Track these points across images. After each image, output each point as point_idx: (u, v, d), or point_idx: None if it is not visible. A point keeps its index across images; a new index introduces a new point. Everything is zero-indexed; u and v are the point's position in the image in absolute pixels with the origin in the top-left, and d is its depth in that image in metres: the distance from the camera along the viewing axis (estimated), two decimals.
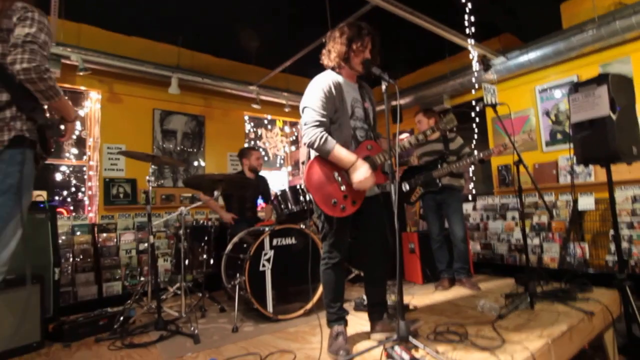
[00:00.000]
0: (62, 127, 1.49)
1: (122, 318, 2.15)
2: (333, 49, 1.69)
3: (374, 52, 1.69)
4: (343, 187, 1.60)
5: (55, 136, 1.42)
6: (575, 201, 3.32)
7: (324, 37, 1.80)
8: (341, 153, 1.55)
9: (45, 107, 1.38)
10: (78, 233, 3.33)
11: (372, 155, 1.66)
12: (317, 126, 1.55)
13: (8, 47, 1.24)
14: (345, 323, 1.69)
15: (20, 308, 1.39)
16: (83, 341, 2.00)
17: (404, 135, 1.69)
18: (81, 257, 3.19)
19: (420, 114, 2.91)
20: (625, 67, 3.36)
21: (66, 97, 1.43)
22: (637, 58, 3.33)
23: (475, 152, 2.72)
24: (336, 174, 1.61)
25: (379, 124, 1.90)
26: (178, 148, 4.34)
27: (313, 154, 1.64)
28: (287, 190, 2.49)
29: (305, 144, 1.60)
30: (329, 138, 1.55)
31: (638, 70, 3.32)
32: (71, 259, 3.12)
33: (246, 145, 4.60)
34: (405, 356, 1.30)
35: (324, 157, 1.59)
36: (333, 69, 1.72)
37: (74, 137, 3.75)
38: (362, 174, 1.54)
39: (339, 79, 1.68)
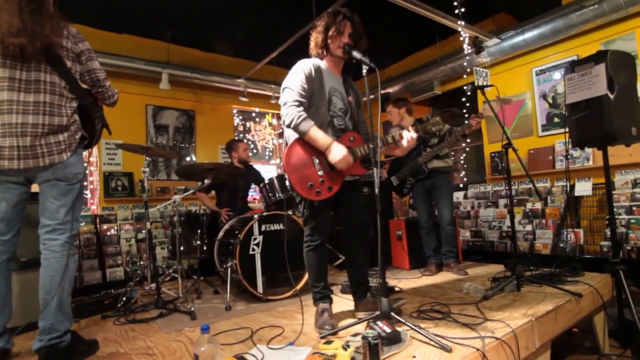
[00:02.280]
0: None
1: (125, 298, 2.26)
2: (312, 39, 1.71)
3: (354, 36, 1.64)
4: (321, 172, 1.60)
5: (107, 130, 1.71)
6: (572, 186, 3.15)
7: (308, 26, 1.73)
8: (318, 134, 1.54)
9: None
10: (82, 223, 3.42)
11: (353, 146, 1.65)
12: (297, 106, 1.56)
13: (88, 78, 1.59)
14: (330, 301, 1.73)
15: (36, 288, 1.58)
16: (90, 318, 2.13)
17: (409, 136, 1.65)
18: (85, 245, 3.31)
19: (390, 105, 2.83)
20: (629, 44, 3.13)
21: None
22: None
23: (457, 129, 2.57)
24: (315, 159, 1.60)
25: (367, 113, 1.85)
26: (171, 143, 4.39)
27: (293, 137, 1.64)
28: (275, 178, 2.52)
29: (283, 122, 1.59)
30: (307, 118, 1.55)
31: None
32: (76, 247, 3.21)
33: (235, 138, 4.57)
34: (387, 329, 1.32)
35: (302, 138, 1.59)
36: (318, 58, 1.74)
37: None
38: (338, 153, 1.54)
39: (321, 65, 1.68)
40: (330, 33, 1.62)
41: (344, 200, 1.71)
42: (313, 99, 1.62)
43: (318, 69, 1.63)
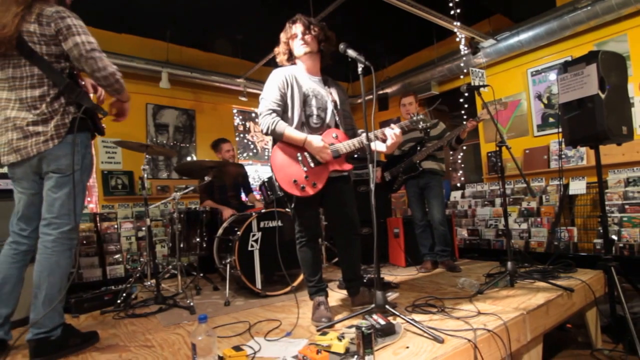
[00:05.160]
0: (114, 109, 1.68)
1: (124, 294, 2.27)
2: (277, 55, 1.80)
3: (306, 30, 1.68)
4: (305, 169, 1.65)
5: (102, 114, 1.60)
6: (566, 185, 3.19)
7: None
8: (293, 133, 1.62)
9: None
10: (81, 221, 3.41)
11: (336, 143, 1.69)
12: (270, 114, 1.62)
13: (70, 59, 1.43)
14: (326, 294, 1.77)
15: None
16: (90, 314, 2.14)
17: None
18: (85, 243, 3.32)
19: (412, 96, 2.79)
20: (622, 45, 3.17)
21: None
22: (634, 35, 3.15)
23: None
24: (299, 156, 1.66)
25: (367, 112, 1.85)
26: (171, 142, 4.40)
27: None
28: (273, 177, 2.53)
29: (262, 131, 1.67)
30: (280, 122, 1.62)
31: (635, 48, 3.13)
32: (76, 245, 3.22)
33: (237, 138, 4.60)
34: (381, 321, 1.35)
35: (280, 140, 1.65)
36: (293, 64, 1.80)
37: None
38: (316, 143, 1.60)
39: (296, 70, 1.73)
40: (286, 39, 1.73)
41: (330, 197, 1.73)
42: (288, 103, 1.67)
43: (291, 75, 1.69)
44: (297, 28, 1.69)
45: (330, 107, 1.74)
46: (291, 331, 1.56)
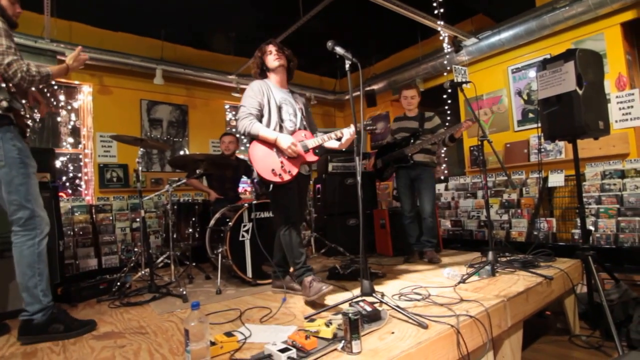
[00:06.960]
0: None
1: (119, 283, 2.26)
2: (252, 70, 2.02)
3: (278, 50, 1.93)
4: (280, 159, 1.82)
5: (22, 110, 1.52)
6: (545, 178, 3.20)
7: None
8: (267, 133, 1.80)
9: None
10: (77, 213, 3.40)
11: (305, 140, 1.90)
12: (247, 117, 1.82)
13: None
14: (314, 273, 1.82)
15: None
16: (87, 302, 2.14)
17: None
18: (81, 234, 3.27)
19: (415, 88, 2.75)
20: (599, 44, 3.18)
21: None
22: (610, 34, 3.15)
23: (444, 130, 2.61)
24: (275, 149, 1.83)
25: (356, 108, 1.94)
26: (165, 137, 4.35)
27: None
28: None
29: (240, 133, 1.85)
30: (256, 124, 1.81)
31: (611, 47, 3.14)
32: (72, 236, 3.21)
33: (226, 130, 4.55)
34: (367, 307, 1.37)
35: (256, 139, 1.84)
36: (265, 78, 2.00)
37: (69, 126, 3.91)
38: (285, 142, 1.77)
39: (269, 82, 1.95)
40: (260, 54, 1.96)
41: (300, 191, 1.93)
42: (265, 110, 1.87)
43: (266, 86, 1.91)
44: (272, 47, 1.95)
45: (299, 113, 1.97)
46: (284, 300, 1.67)
